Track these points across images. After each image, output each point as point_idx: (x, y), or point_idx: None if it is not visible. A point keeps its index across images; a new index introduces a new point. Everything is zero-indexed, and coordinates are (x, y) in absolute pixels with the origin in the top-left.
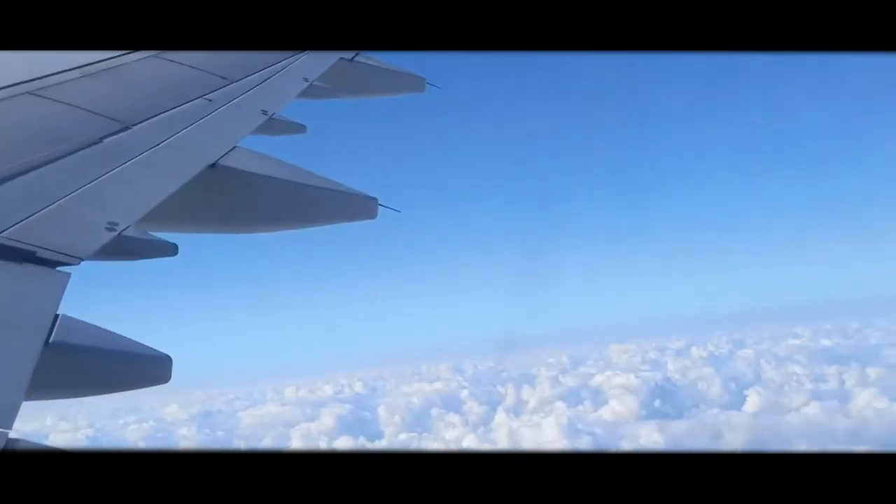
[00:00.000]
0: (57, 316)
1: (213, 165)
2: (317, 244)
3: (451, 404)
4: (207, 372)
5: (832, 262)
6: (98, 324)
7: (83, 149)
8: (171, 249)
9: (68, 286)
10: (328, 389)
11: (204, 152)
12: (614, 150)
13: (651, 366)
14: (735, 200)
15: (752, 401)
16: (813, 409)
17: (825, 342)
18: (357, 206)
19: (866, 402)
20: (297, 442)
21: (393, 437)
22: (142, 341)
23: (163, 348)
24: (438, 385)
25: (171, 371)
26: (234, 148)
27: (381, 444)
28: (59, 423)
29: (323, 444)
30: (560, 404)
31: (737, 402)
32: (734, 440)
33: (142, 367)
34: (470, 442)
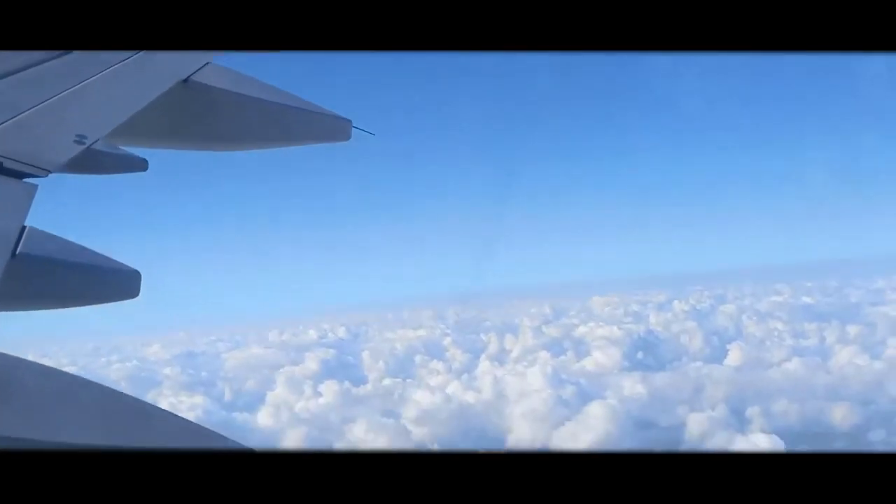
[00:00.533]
0: (24, 227)
1: (185, 81)
2: (291, 167)
3: (435, 351)
4: (178, 295)
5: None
6: (66, 237)
7: (51, 60)
8: (141, 164)
9: (36, 199)
10: (312, 334)
11: (176, 67)
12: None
13: (633, 318)
14: (717, 161)
15: (734, 355)
16: (794, 364)
17: (806, 299)
18: (330, 128)
19: (847, 358)
20: (281, 384)
21: (377, 382)
22: (110, 256)
23: (131, 264)
24: (422, 332)
25: (139, 286)
26: (206, 64)
27: (365, 389)
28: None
29: (308, 388)
30: (544, 354)
31: (719, 356)
32: (716, 393)
33: (110, 281)
34: (454, 388)
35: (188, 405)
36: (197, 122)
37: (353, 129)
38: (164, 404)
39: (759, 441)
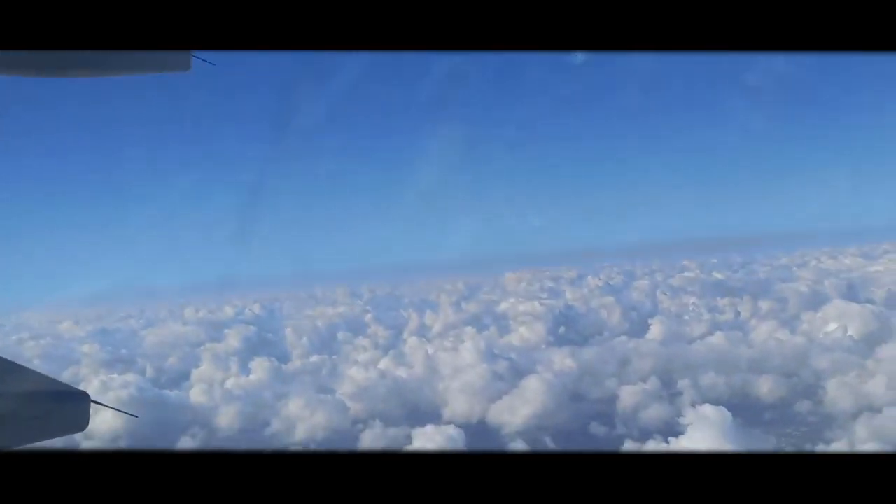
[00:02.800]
0: None
1: None
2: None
3: (357, 328)
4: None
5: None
6: None
7: None
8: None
9: None
10: (228, 310)
11: None
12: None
13: (550, 294)
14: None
15: (656, 329)
16: (717, 338)
17: (717, 275)
18: (170, 58)
19: (766, 333)
20: (206, 361)
21: (304, 358)
22: None
23: None
24: (341, 309)
25: None
26: None
27: (293, 366)
28: None
29: (234, 365)
30: (469, 330)
31: (640, 330)
32: (644, 366)
33: None
34: (385, 364)
35: (119, 382)
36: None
37: (194, 58)
38: (92, 383)
39: (703, 411)
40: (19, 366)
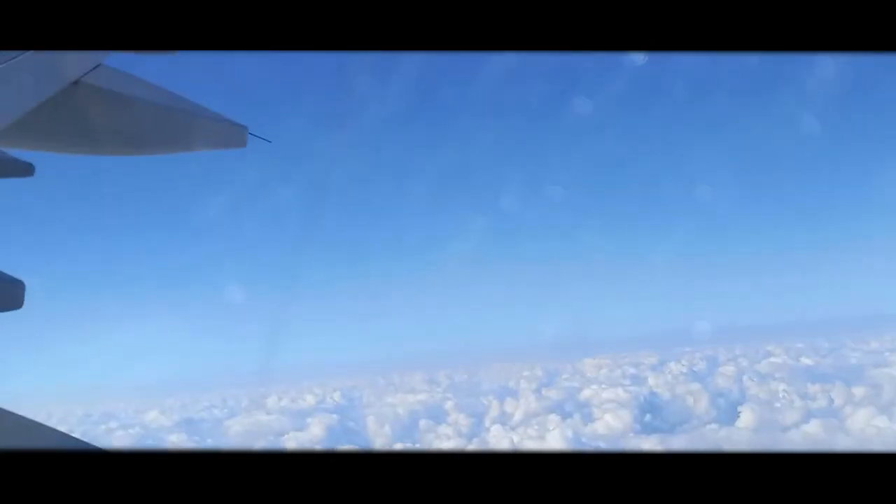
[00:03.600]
0: None
1: (75, 83)
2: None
3: (437, 415)
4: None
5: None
6: None
7: None
8: (26, 169)
9: None
10: (310, 399)
11: (66, 69)
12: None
13: (632, 380)
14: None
15: (746, 417)
16: (813, 426)
17: (805, 361)
18: (226, 133)
19: (865, 420)
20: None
21: (386, 447)
22: None
23: (14, 274)
24: (421, 396)
25: (23, 296)
26: (98, 65)
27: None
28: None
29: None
30: (553, 417)
31: (729, 418)
32: None
33: None
34: None
35: None
36: (87, 124)
37: (250, 135)
38: None
39: None
40: (43, 425)
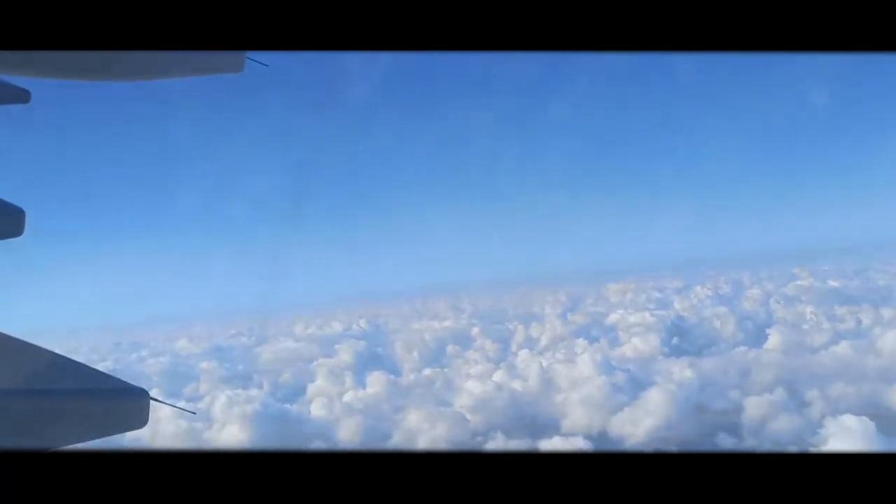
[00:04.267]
0: None
1: None
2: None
3: (464, 341)
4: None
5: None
6: None
7: None
8: (23, 95)
9: None
10: (337, 326)
11: None
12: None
13: (657, 305)
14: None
15: (774, 339)
16: (842, 348)
17: (832, 283)
18: (223, 59)
19: (895, 341)
20: (321, 377)
21: (416, 372)
22: None
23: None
24: (447, 323)
25: (23, 224)
26: None
27: (407, 379)
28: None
29: (348, 380)
30: (581, 341)
31: (757, 340)
32: (765, 377)
33: None
34: (499, 377)
35: (244, 398)
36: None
37: (248, 59)
38: (219, 399)
39: (844, 422)
40: (76, 362)
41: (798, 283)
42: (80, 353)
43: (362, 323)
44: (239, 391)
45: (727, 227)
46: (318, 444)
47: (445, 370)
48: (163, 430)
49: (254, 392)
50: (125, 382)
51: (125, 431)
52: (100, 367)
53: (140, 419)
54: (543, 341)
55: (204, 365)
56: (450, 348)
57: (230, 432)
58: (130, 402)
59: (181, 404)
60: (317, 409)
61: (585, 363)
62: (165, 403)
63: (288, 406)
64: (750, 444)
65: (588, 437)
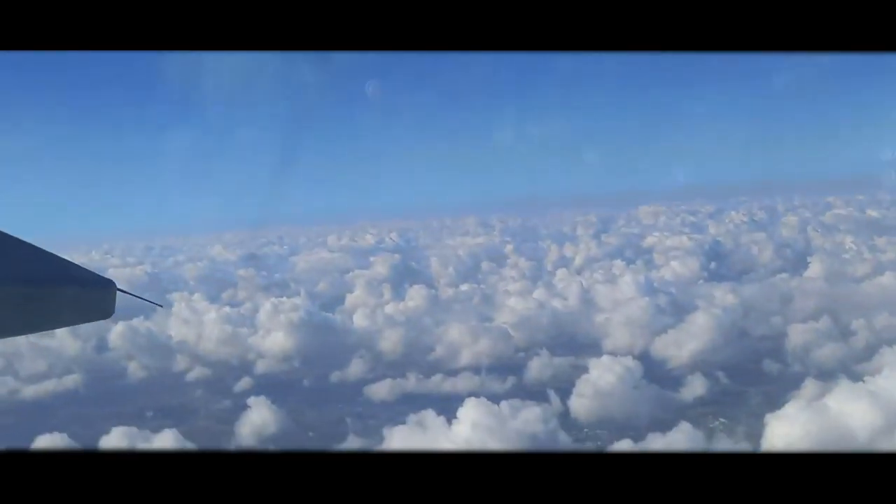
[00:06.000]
0: None
1: None
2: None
3: (498, 258)
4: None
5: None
6: None
7: None
8: None
9: None
10: (369, 238)
11: None
12: None
13: (691, 229)
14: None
15: (816, 268)
16: (887, 279)
17: (871, 213)
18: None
19: None
20: (359, 288)
21: (453, 286)
22: None
23: None
24: (480, 239)
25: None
26: None
27: (445, 293)
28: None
29: (386, 292)
30: (618, 263)
31: (797, 268)
32: (808, 305)
33: None
34: (539, 295)
35: (289, 306)
36: None
37: None
38: (265, 306)
39: None
40: (44, 251)
41: (835, 211)
42: (116, 255)
43: (394, 236)
44: (283, 299)
45: (755, 154)
46: (362, 353)
47: (482, 286)
48: (208, 334)
49: (297, 300)
50: (93, 273)
51: (91, 321)
52: (137, 270)
53: (106, 309)
54: (578, 261)
55: (241, 272)
56: (484, 265)
57: (275, 339)
58: (97, 292)
59: (146, 297)
60: (359, 320)
61: (627, 284)
62: (132, 295)
63: (330, 315)
64: (796, 370)
65: (631, 356)
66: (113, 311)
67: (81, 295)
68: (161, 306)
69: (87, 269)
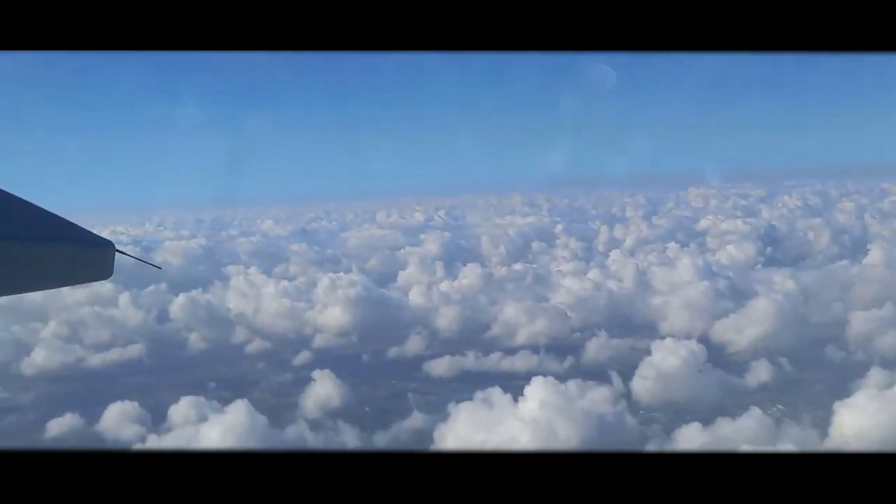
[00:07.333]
0: None
1: None
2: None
3: (547, 238)
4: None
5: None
6: None
7: None
8: None
9: None
10: (418, 216)
11: None
12: None
13: (743, 212)
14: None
15: (875, 255)
16: None
17: None
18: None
19: None
20: (412, 265)
21: (505, 265)
22: None
23: None
24: (529, 219)
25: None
26: None
27: (499, 272)
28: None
29: (439, 269)
30: (673, 245)
31: (856, 255)
32: (869, 292)
33: None
34: (594, 276)
35: (346, 282)
36: None
37: None
38: (323, 281)
39: None
40: (44, 210)
41: (893, 198)
42: (168, 227)
43: (441, 214)
44: (341, 274)
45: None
46: (419, 330)
47: (534, 266)
48: (266, 308)
49: (354, 276)
50: (92, 233)
51: (90, 281)
52: (192, 243)
53: (105, 270)
54: (629, 242)
55: (294, 247)
56: (535, 244)
57: (332, 314)
58: (96, 252)
59: (151, 263)
60: (415, 297)
61: (685, 267)
62: (131, 256)
63: (385, 291)
64: (860, 358)
65: (691, 339)
66: (111, 272)
67: (80, 254)
68: (160, 268)
69: (86, 230)
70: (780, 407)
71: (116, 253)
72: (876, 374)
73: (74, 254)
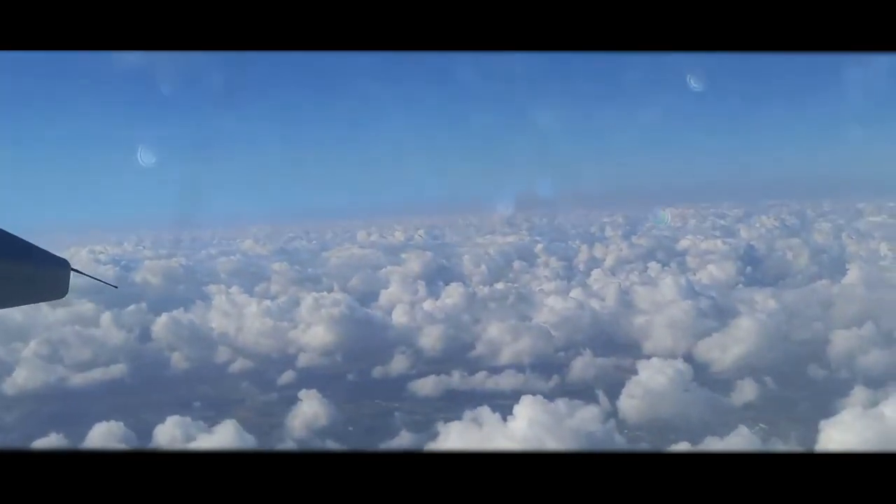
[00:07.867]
0: None
1: None
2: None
3: (528, 257)
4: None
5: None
6: None
7: None
8: None
9: None
10: (399, 235)
11: None
12: None
13: (722, 232)
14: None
15: (854, 274)
16: None
17: None
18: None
19: None
20: (394, 284)
21: (487, 285)
22: None
23: None
24: (510, 238)
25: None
26: None
27: (481, 291)
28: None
29: (421, 289)
30: (654, 265)
31: (834, 274)
32: (849, 311)
33: None
34: (576, 294)
35: (330, 301)
36: None
37: None
38: (306, 300)
39: None
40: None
41: (869, 218)
42: (147, 246)
43: (421, 233)
44: (324, 294)
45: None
46: (403, 349)
47: (516, 285)
48: (249, 327)
49: (337, 295)
50: (48, 252)
51: (46, 300)
52: (172, 262)
53: (60, 289)
54: (609, 261)
55: (275, 266)
56: (516, 264)
57: (315, 333)
58: (51, 272)
59: (105, 280)
60: (398, 316)
61: (667, 286)
62: (86, 275)
63: (369, 310)
64: (843, 376)
65: (676, 358)
66: (66, 291)
67: (36, 274)
68: (116, 287)
69: (42, 249)
70: (762, 426)
71: (72, 272)
72: (860, 393)
73: (29, 272)
